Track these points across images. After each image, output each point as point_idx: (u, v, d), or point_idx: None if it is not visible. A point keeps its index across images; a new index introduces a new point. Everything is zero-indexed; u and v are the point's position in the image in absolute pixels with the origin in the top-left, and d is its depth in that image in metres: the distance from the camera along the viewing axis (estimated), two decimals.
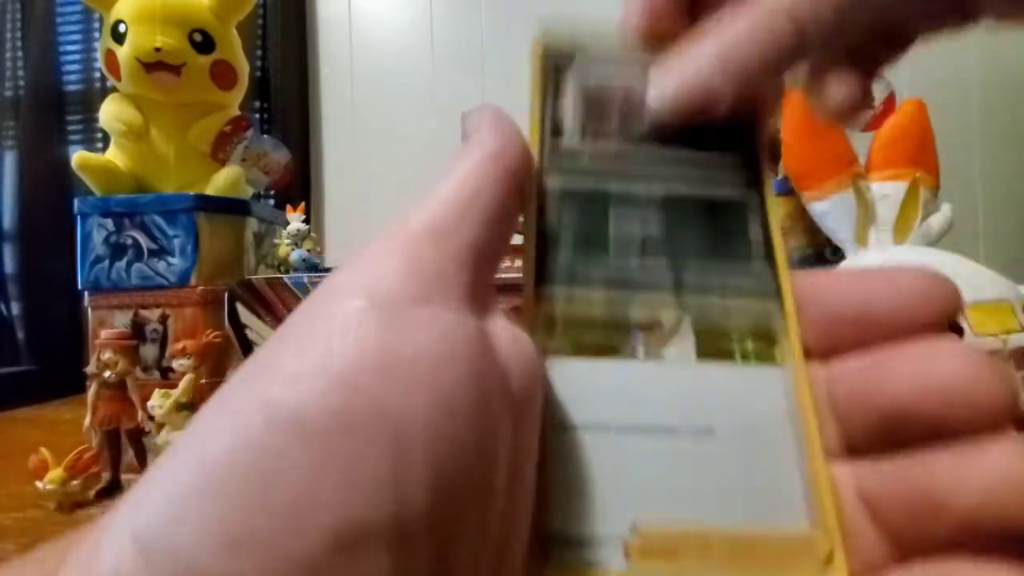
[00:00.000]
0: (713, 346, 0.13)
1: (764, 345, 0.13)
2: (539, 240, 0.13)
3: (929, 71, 1.12)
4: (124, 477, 0.56)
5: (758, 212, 0.15)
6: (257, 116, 1.22)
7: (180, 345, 0.57)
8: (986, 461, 0.11)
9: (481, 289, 0.12)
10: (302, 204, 0.72)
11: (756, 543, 0.12)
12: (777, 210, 0.14)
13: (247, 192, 0.76)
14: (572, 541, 0.11)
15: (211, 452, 0.09)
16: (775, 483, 0.12)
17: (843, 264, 0.54)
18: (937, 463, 0.11)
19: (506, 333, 0.11)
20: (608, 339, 0.13)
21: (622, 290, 0.13)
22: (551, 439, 0.12)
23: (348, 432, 0.09)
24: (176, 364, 0.56)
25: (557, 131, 0.15)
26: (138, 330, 0.64)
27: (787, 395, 0.13)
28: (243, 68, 0.76)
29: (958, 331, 0.41)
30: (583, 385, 0.12)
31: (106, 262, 0.66)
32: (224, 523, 0.08)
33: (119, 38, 0.69)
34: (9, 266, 1.25)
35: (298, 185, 1.17)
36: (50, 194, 1.19)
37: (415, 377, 0.09)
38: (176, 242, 0.66)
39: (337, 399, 0.09)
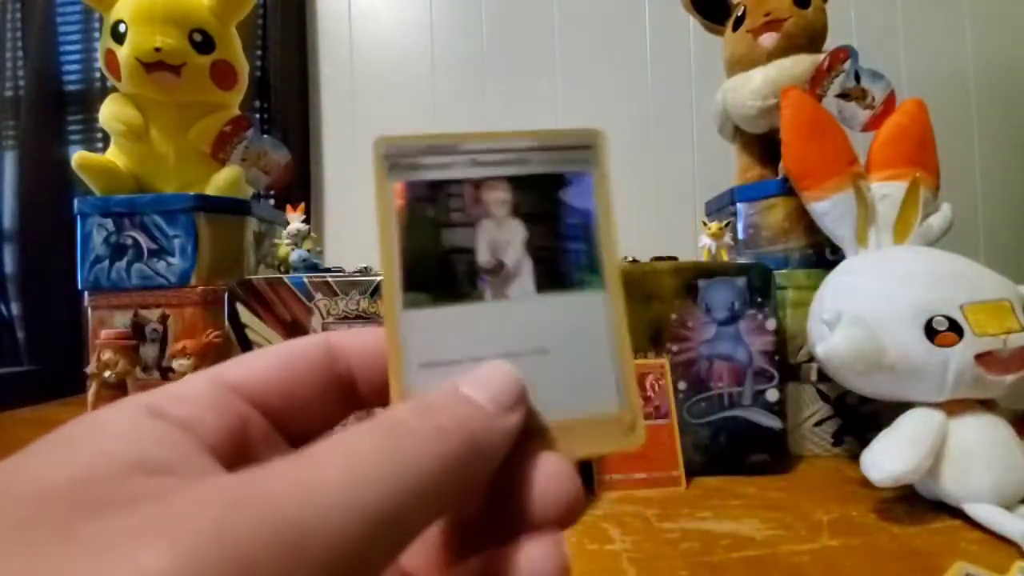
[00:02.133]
0: (549, 280, 0.17)
1: (588, 275, 0.17)
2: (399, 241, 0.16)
3: (929, 71, 1.12)
4: None
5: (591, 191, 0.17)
6: (257, 116, 1.22)
7: (180, 345, 0.57)
8: None
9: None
10: (302, 204, 0.72)
11: (581, 426, 0.16)
12: (607, 187, 0.17)
13: (247, 192, 0.76)
14: None
15: None
16: (595, 381, 0.16)
17: (843, 264, 0.55)
18: None
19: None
20: (460, 287, 0.16)
21: (469, 245, 0.16)
22: (413, 377, 0.15)
23: None
24: (176, 364, 0.56)
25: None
26: (138, 330, 0.64)
27: (605, 311, 0.17)
28: (243, 68, 0.76)
29: None
30: (438, 329, 0.16)
31: (106, 262, 0.66)
32: None
33: (119, 38, 0.69)
34: (9, 266, 1.25)
35: (298, 185, 1.17)
36: (50, 194, 1.19)
37: None
38: (176, 242, 0.66)
39: None
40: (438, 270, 0.16)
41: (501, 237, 0.17)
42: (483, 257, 0.16)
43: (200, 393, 0.14)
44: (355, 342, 0.17)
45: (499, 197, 0.17)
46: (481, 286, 0.16)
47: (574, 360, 0.16)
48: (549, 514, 0.14)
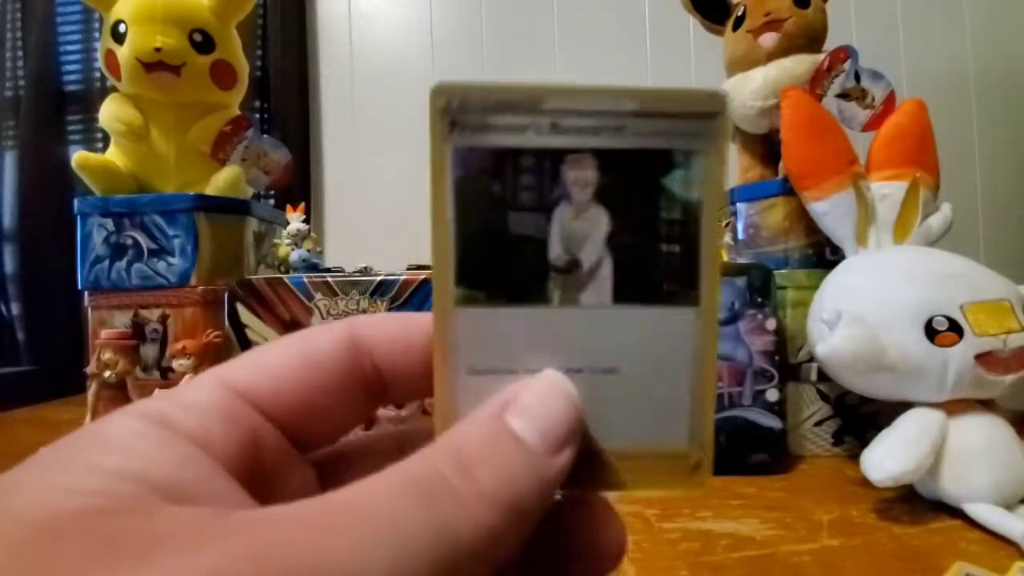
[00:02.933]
0: (632, 288, 0.14)
1: (681, 287, 0.14)
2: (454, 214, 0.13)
3: (929, 71, 1.12)
4: None
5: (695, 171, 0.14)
6: (257, 116, 1.22)
7: (180, 345, 0.57)
8: None
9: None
10: (302, 204, 0.72)
11: (638, 455, 0.14)
12: (722, 176, 0.14)
13: (247, 192, 0.76)
14: None
15: None
16: (666, 410, 0.14)
17: (843, 264, 0.54)
18: None
19: None
20: (524, 287, 0.14)
21: (540, 235, 0.14)
22: (460, 383, 0.13)
23: None
24: (176, 364, 0.56)
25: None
26: (138, 330, 0.64)
27: (695, 335, 0.14)
28: (243, 68, 0.76)
29: None
30: (494, 332, 0.13)
31: (106, 262, 0.66)
32: None
33: (119, 38, 0.69)
34: (9, 266, 1.25)
35: (298, 185, 1.17)
36: (50, 194, 1.19)
37: None
38: (176, 242, 0.66)
39: None
40: (499, 263, 0.13)
41: (579, 228, 0.14)
42: (555, 252, 0.14)
43: (209, 402, 0.13)
44: (382, 332, 0.15)
45: (583, 176, 0.13)
46: (549, 287, 0.14)
47: (646, 386, 0.14)
48: (595, 563, 0.13)
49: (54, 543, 0.09)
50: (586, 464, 0.13)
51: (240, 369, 0.14)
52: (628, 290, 0.14)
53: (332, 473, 0.15)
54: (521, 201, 0.13)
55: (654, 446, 0.14)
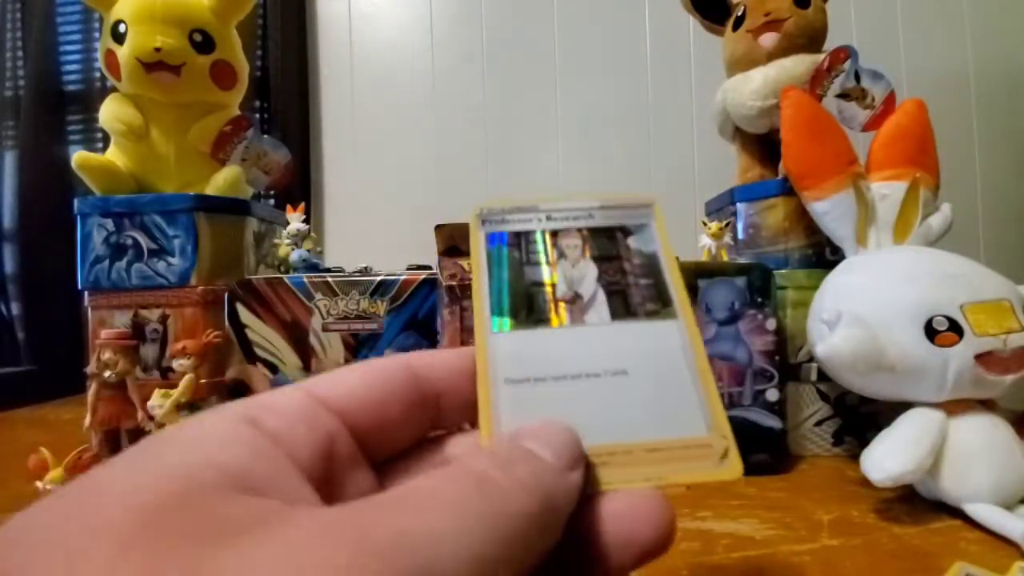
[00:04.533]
0: (622, 309, 0.18)
1: (660, 306, 0.18)
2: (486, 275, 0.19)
3: (929, 71, 1.12)
4: None
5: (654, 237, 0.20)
6: (257, 116, 1.22)
7: (180, 345, 0.57)
8: None
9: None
10: (302, 204, 0.72)
11: (668, 448, 0.16)
12: (666, 237, 0.20)
13: (247, 192, 0.76)
14: None
15: None
16: (679, 403, 0.16)
17: (843, 264, 0.54)
18: None
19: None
20: (541, 313, 0.18)
21: (550, 280, 0.19)
22: (499, 391, 0.16)
23: None
24: (176, 364, 0.56)
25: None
26: (138, 330, 0.64)
27: (681, 338, 0.17)
28: (243, 68, 0.76)
29: None
30: (523, 349, 0.17)
31: (106, 262, 0.66)
32: None
33: (119, 38, 0.69)
34: (9, 266, 1.25)
35: (298, 185, 1.17)
36: (50, 194, 1.19)
37: None
38: (176, 242, 0.66)
39: None
40: (522, 299, 0.18)
41: (576, 274, 0.19)
42: (561, 290, 0.18)
43: (294, 406, 0.15)
44: (441, 362, 0.18)
45: (573, 243, 0.19)
46: (560, 313, 0.18)
47: (655, 382, 0.17)
48: (623, 555, 0.14)
49: (161, 519, 0.10)
50: (617, 463, 0.15)
51: (323, 382, 0.16)
52: (621, 311, 0.18)
53: (391, 478, 0.17)
54: (532, 260, 0.19)
55: (680, 437, 0.16)
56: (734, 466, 0.16)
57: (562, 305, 0.18)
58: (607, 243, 0.19)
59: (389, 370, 0.17)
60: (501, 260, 0.19)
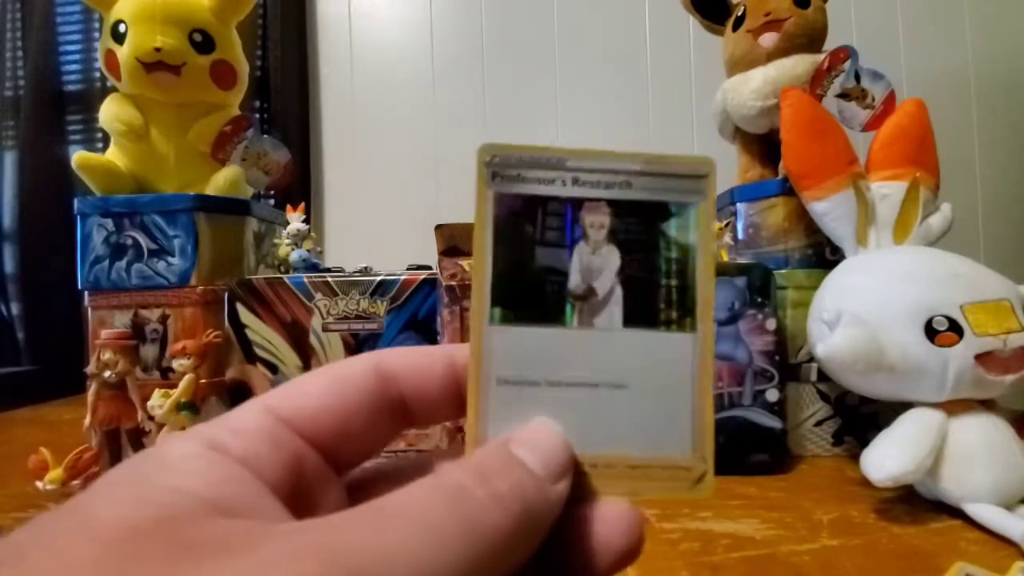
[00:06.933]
0: (639, 314, 0.16)
1: (680, 315, 0.16)
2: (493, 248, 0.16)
3: (929, 71, 1.12)
4: None
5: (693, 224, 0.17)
6: (257, 116, 1.22)
7: (180, 345, 0.57)
8: None
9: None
10: (302, 204, 0.72)
11: (649, 466, 0.16)
12: (712, 224, 0.17)
13: (247, 192, 0.76)
14: None
15: None
16: (671, 424, 0.16)
17: (843, 264, 0.54)
18: None
19: None
20: (548, 309, 0.16)
21: (562, 267, 0.16)
22: (491, 391, 0.15)
23: None
24: (176, 364, 0.56)
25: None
26: (138, 330, 0.64)
27: (692, 355, 0.16)
28: (243, 68, 0.76)
29: None
30: (521, 348, 0.16)
31: (106, 262, 0.66)
32: None
33: (119, 38, 0.69)
34: (9, 266, 1.25)
35: (298, 185, 1.17)
36: (50, 194, 1.19)
37: None
38: (176, 242, 0.66)
39: None
40: (528, 289, 0.16)
41: (595, 262, 0.16)
42: (574, 281, 0.16)
43: (256, 427, 0.15)
44: (407, 363, 0.17)
45: (598, 220, 0.16)
46: (568, 311, 0.16)
47: (652, 400, 0.16)
48: (595, 561, 0.14)
49: (137, 544, 0.11)
50: (599, 474, 0.15)
51: (282, 397, 0.16)
52: (635, 316, 0.16)
53: (362, 492, 0.16)
54: (547, 238, 0.16)
55: (660, 457, 0.16)
56: (706, 488, 0.16)
57: (572, 301, 0.16)
58: (639, 225, 0.16)
59: (353, 377, 0.16)
60: (510, 235, 0.16)
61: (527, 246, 0.16)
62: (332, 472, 0.16)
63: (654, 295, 0.16)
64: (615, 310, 0.16)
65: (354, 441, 0.16)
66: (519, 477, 0.14)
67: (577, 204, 0.16)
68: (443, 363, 0.17)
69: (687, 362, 0.16)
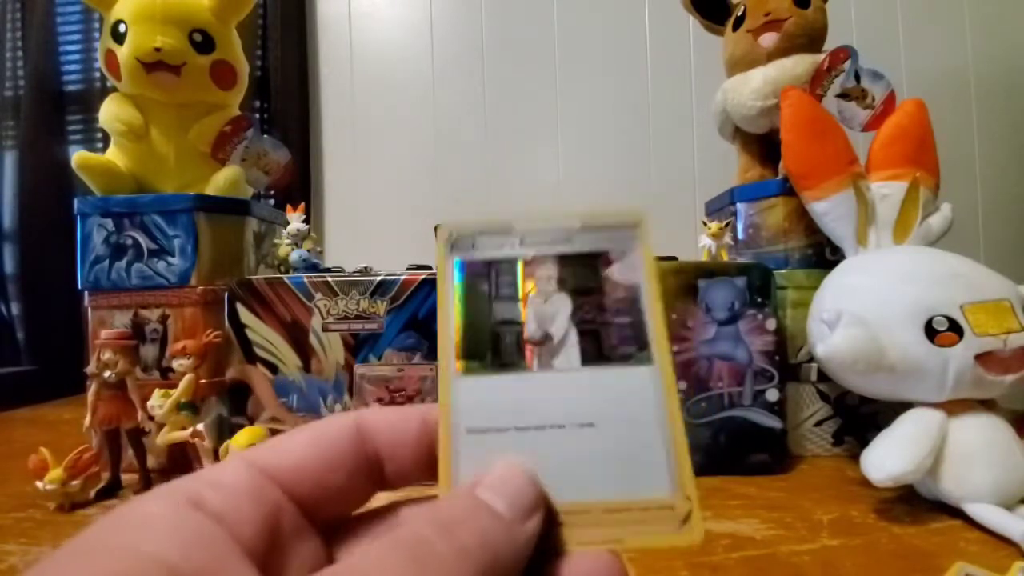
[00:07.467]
0: (595, 353, 0.17)
1: (635, 349, 0.17)
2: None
3: (929, 71, 1.12)
4: (124, 477, 0.56)
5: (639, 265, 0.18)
6: (257, 116, 1.22)
7: (180, 345, 0.57)
8: None
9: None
10: (302, 204, 0.72)
11: (629, 509, 0.15)
12: (653, 264, 0.18)
13: (247, 192, 0.76)
14: None
15: None
16: (645, 460, 0.15)
17: (843, 264, 0.54)
18: None
19: None
20: (509, 357, 0.17)
21: (518, 318, 0.17)
22: (460, 440, 0.15)
23: None
24: (176, 364, 0.56)
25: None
26: (138, 330, 0.64)
27: (654, 387, 0.16)
28: (243, 68, 0.76)
29: None
30: (487, 396, 0.16)
31: (106, 262, 0.66)
32: None
33: (119, 38, 0.69)
34: (9, 266, 1.25)
35: (298, 185, 1.17)
36: (50, 194, 1.19)
37: None
38: (176, 242, 0.66)
39: None
40: (489, 341, 0.17)
41: (548, 310, 0.17)
42: (530, 328, 0.17)
43: (237, 480, 0.15)
44: (384, 422, 0.17)
45: (546, 273, 0.18)
46: (528, 357, 0.17)
47: (621, 436, 0.16)
48: None
49: None
50: (557, 531, 0.15)
51: (265, 452, 0.16)
52: (592, 355, 0.17)
53: (338, 542, 0.17)
54: (503, 294, 0.18)
55: (641, 498, 0.15)
56: (695, 530, 0.15)
57: (531, 348, 0.17)
58: (585, 273, 0.18)
59: (334, 434, 0.17)
60: (469, 295, 0.18)
61: (485, 302, 0.17)
62: (310, 526, 0.16)
63: (608, 334, 0.17)
64: (572, 351, 0.17)
65: (333, 496, 0.17)
66: (485, 524, 0.13)
67: (527, 262, 0.18)
68: (417, 420, 0.17)
69: (649, 394, 0.16)
